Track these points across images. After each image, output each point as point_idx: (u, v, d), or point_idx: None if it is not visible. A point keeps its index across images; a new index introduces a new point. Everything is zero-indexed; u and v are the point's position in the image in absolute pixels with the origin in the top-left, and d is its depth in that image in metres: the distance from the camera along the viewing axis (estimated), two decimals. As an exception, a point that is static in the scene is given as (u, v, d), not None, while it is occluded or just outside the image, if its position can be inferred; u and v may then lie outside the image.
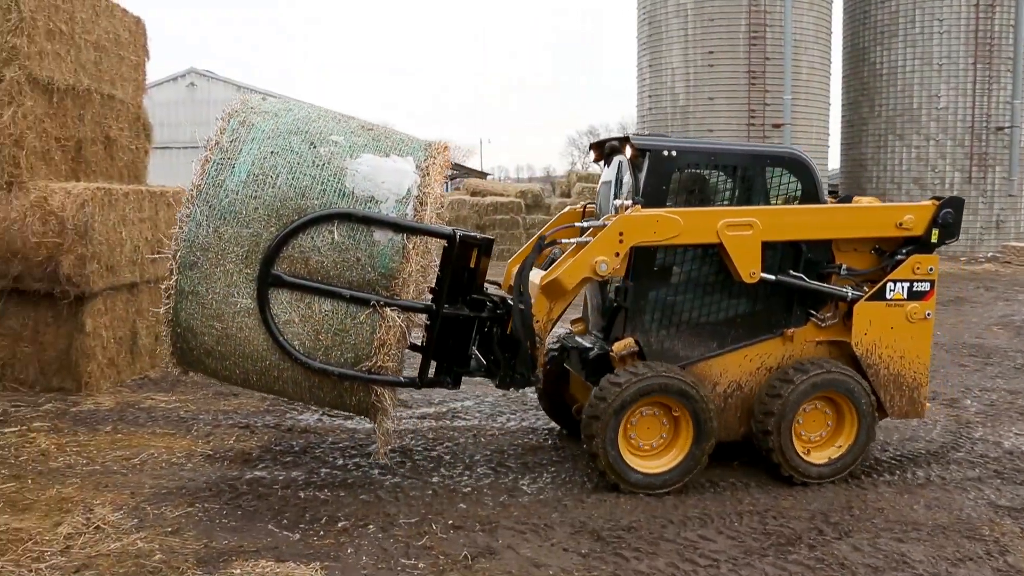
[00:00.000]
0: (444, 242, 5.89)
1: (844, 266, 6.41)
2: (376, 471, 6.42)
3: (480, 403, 8.62)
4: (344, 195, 5.59)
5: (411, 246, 5.61)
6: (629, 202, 6.11)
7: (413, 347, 6.11)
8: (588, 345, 6.72)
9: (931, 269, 6.36)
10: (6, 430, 7.24)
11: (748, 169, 6.46)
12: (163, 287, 5.70)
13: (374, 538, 5.19)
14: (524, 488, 6.10)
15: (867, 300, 6.33)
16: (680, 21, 26.63)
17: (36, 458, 6.57)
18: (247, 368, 5.81)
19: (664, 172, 6.21)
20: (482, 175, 55.56)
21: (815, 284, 6.33)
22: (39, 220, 8.33)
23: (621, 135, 6.67)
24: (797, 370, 6.22)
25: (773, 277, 6.21)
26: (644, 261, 6.19)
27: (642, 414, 6.03)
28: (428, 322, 6.05)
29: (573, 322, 7.45)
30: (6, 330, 8.68)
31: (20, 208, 8.38)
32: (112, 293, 8.98)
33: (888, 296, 6.34)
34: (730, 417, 6.39)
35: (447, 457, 6.80)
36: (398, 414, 8.11)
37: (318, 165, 5.63)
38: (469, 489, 6.04)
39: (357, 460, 6.69)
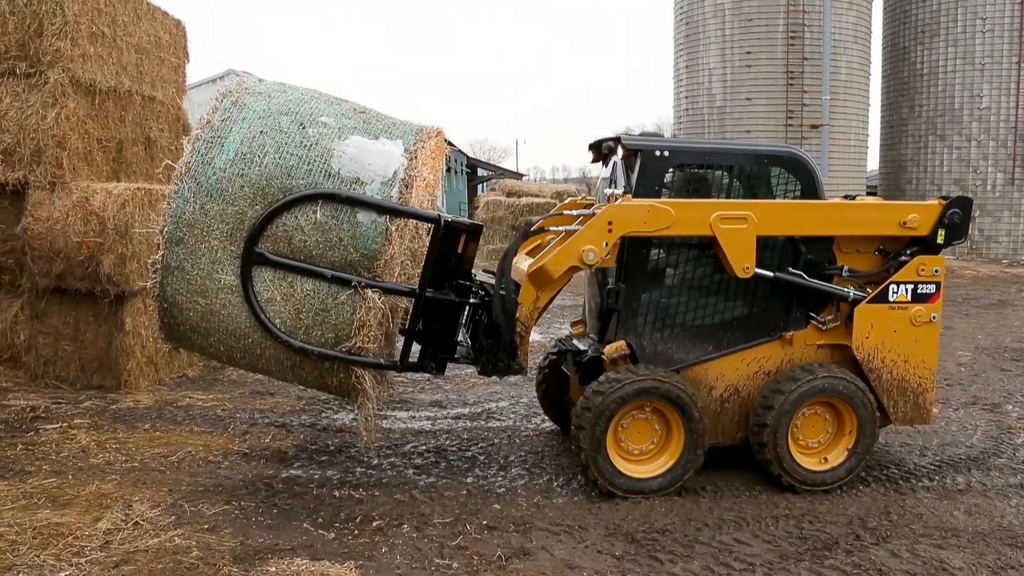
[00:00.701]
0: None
1: (846, 267, 6.24)
2: (411, 471, 6.44)
3: (515, 404, 8.61)
4: (330, 176, 5.62)
5: (394, 228, 5.61)
6: (620, 192, 6.00)
7: (402, 331, 6.09)
8: (583, 348, 6.65)
9: (936, 271, 6.16)
10: (48, 426, 7.37)
11: (744, 169, 6.35)
12: (150, 262, 5.80)
13: (408, 538, 5.20)
14: (558, 489, 6.09)
15: (869, 302, 6.15)
16: (717, 21, 26.44)
17: (77, 454, 6.68)
18: (231, 345, 5.87)
19: (656, 172, 6.09)
20: (518, 176, 55.54)
21: (814, 282, 6.16)
22: (81, 220, 8.47)
23: (615, 135, 6.52)
24: (793, 375, 6.08)
25: (771, 274, 6.06)
26: (636, 262, 6.09)
27: (634, 417, 5.94)
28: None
29: (573, 324, 7.42)
30: (48, 328, 8.84)
31: (63, 208, 8.53)
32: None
33: (891, 298, 6.16)
34: (727, 422, 6.26)
35: (482, 458, 6.81)
36: (432, 413, 8.14)
37: (305, 145, 5.66)
38: (503, 490, 6.03)
39: (392, 460, 6.71)
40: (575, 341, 6.99)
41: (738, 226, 5.89)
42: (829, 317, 6.29)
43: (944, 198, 6.29)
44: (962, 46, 26.29)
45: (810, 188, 6.26)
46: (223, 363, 6.43)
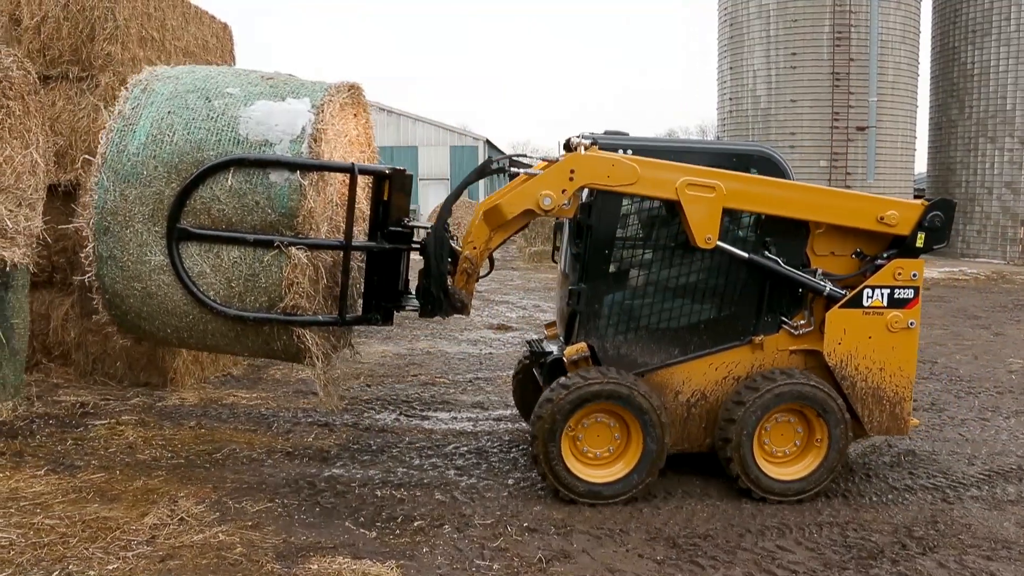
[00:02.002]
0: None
1: (820, 271, 6.02)
2: (452, 472, 6.46)
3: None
4: (239, 143, 5.65)
5: (307, 183, 5.60)
6: (587, 141, 5.89)
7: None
8: (549, 350, 6.57)
9: (915, 275, 5.92)
10: (96, 422, 7.51)
11: (714, 168, 6.09)
12: (82, 256, 5.90)
13: (449, 538, 5.22)
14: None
15: (842, 307, 5.95)
16: (762, 23, 26.21)
17: (124, 450, 6.80)
18: (176, 325, 5.93)
19: None
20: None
21: (788, 269, 5.94)
22: (130, 220, 8.60)
23: (585, 134, 6.30)
24: (754, 384, 5.89)
25: (745, 254, 5.89)
26: (598, 263, 5.97)
27: (596, 420, 5.84)
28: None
29: (547, 326, 7.38)
30: (97, 327, 8.98)
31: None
32: (198, 292, 9.22)
33: (865, 303, 5.93)
34: (694, 428, 6.11)
35: (523, 459, 6.80)
36: (474, 415, 8.15)
37: (212, 118, 5.71)
38: (545, 492, 6.02)
39: (434, 460, 6.74)
40: (545, 343, 6.92)
41: (705, 194, 5.74)
42: (802, 322, 6.08)
43: (927, 199, 6.06)
44: (1015, 45, 25.73)
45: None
46: (177, 347, 6.52)
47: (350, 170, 5.75)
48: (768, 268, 5.94)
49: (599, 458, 5.89)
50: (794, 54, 25.58)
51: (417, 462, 6.68)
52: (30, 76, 7.70)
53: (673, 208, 5.86)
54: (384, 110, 38.93)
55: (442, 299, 5.92)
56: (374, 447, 7.04)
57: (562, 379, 5.81)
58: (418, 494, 5.94)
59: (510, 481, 6.27)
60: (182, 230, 5.64)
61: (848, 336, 5.98)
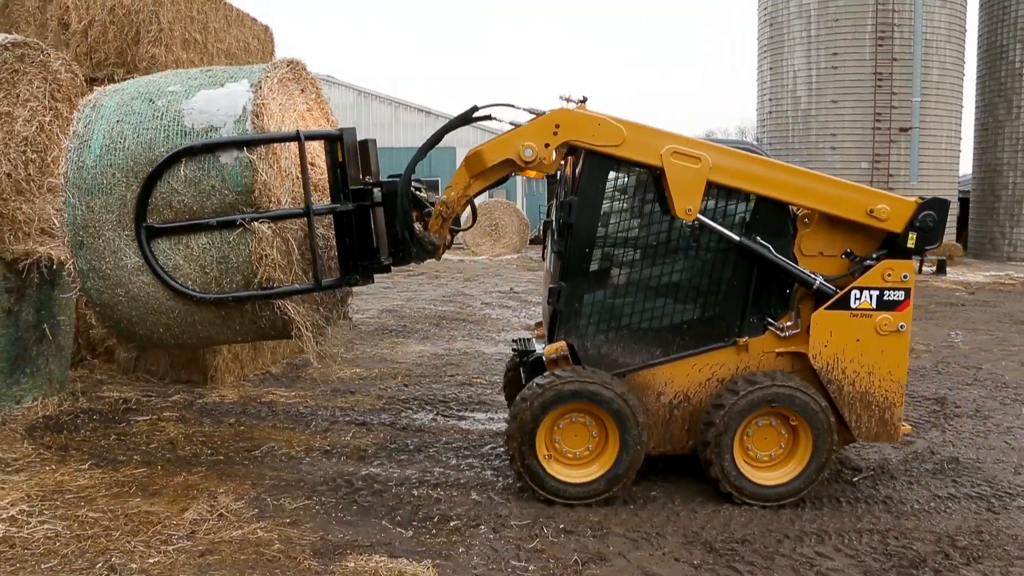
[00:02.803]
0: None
1: (809, 272, 5.89)
2: (489, 472, 6.47)
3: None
4: (186, 134, 5.75)
5: (256, 158, 5.67)
6: (580, 99, 5.83)
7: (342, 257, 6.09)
8: (534, 349, 6.53)
9: (905, 276, 5.77)
10: (139, 418, 7.63)
11: None
12: (64, 273, 6.07)
13: (485, 539, 5.23)
14: (637, 495, 6.02)
15: (828, 308, 5.81)
16: (803, 22, 25.93)
17: (165, 446, 6.90)
18: (165, 323, 6.03)
19: (600, 170, 5.86)
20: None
21: (780, 258, 5.82)
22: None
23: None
24: (734, 387, 5.79)
25: (737, 237, 5.79)
26: (579, 261, 5.92)
27: (573, 420, 5.78)
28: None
29: (536, 326, 7.33)
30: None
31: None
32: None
33: (853, 304, 5.79)
34: (677, 429, 6.01)
35: (557, 461, 6.79)
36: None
37: (157, 117, 5.83)
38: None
39: (470, 460, 6.75)
40: (532, 343, 6.89)
41: (690, 164, 5.66)
42: (788, 323, 5.97)
43: (920, 198, 5.90)
44: (1064, 45, 25.21)
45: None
46: (175, 347, 6.63)
47: (296, 138, 5.82)
48: (758, 254, 5.83)
49: (577, 458, 5.85)
50: (835, 54, 25.28)
51: (454, 462, 6.70)
52: (78, 78, 7.86)
53: (656, 202, 5.81)
54: (421, 111, 39.09)
55: (408, 240, 5.88)
56: (411, 447, 7.07)
57: (538, 378, 5.80)
58: (455, 494, 5.96)
59: (546, 482, 6.26)
60: (149, 228, 5.78)
61: (835, 338, 5.86)
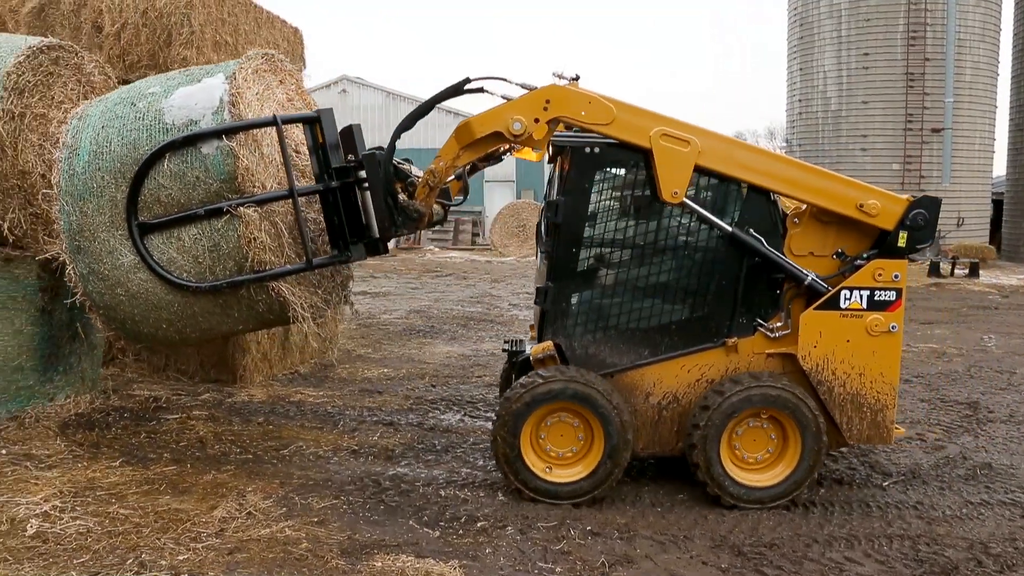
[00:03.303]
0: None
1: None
2: (514, 473, 6.46)
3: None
4: (167, 131, 5.92)
5: (236, 145, 5.79)
6: (572, 76, 5.80)
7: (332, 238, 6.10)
8: (523, 350, 6.51)
9: (896, 276, 5.68)
10: (168, 416, 7.71)
11: None
12: (66, 280, 6.27)
13: (512, 540, 5.22)
14: (664, 498, 6.00)
15: (817, 308, 5.73)
16: (833, 22, 25.73)
17: (195, 444, 6.96)
18: (167, 318, 6.17)
19: (587, 170, 5.84)
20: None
21: (772, 251, 5.75)
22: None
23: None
24: (718, 389, 5.74)
25: (729, 228, 5.74)
26: (566, 261, 5.89)
27: (560, 419, 5.76)
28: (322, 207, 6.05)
29: (532, 326, 7.30)
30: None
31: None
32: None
33: (843, 304, 5.70)
34: (665, 431, 5.95)
35: (584, 462, 6.77)
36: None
37: (139, 118, 6.05)
38: (608, 496, 5.99)
39: (495, 461, 6.75)
40: (525, 343, 6.86)
41: (679, 147, 5.63)
42: (778, 324, 5.88)
43: (912, 196, 5.79)
44: (1101, 44, 24.81)
45: (760, 188, 5.87)
46: (180, 343, 6.79)
47: (273, 122, 5.90)
48: (749, 246, 5.78)
49: (562, 458, 5.83)
50: (866, 54, 25.06)
51: (481, 463, 6.70)
52: (111, 80, 7.95)
53: (643, 204, 5.81)
54: (451, 112, 39.16)
55: (391, 207, 5.86)
56: (438, 447, 7.09)
57: (522, 378, 5.81)
58: (482, 495, 5.96)
59: (573, 484, 6.24)
60: (141, 225, 5.93)
61: (824, 339, 5.78)
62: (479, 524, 5.44)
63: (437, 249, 30.67)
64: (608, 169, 5.96)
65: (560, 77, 5.80)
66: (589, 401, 5.67)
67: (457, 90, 5.90)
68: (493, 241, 29.23)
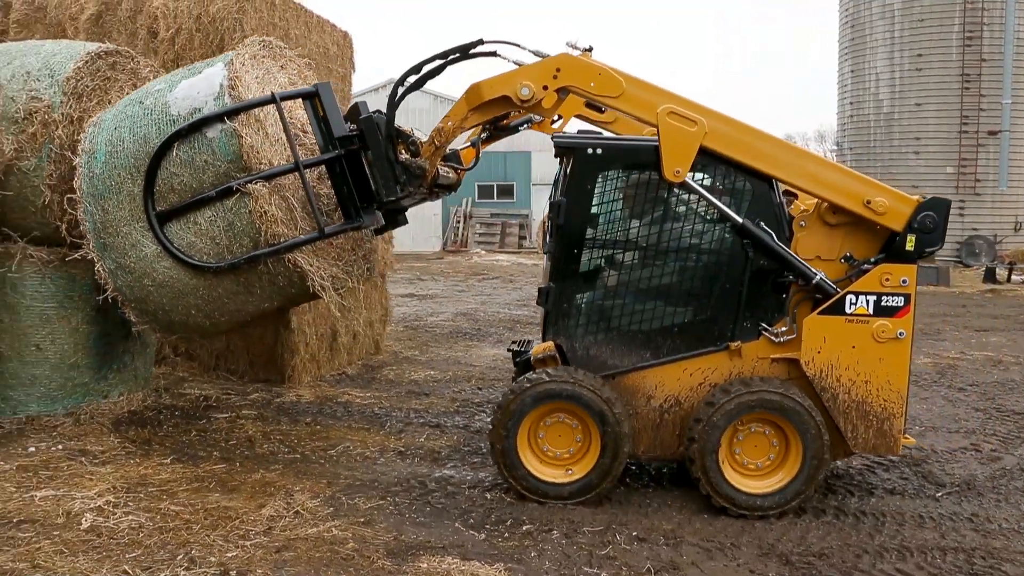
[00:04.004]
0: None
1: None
2: (559, 477, 6.45)
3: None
4: (174, 122, 6.16)
5: (239, 125, 5.99)
6: (586, 47, 5.77)
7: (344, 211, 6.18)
8: (527, 350, 6.48)
9: (905, 281, 5.52)
10: (218, 415, 7.82)
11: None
12: (95, 276, 6.51)
13: (558, 544, 5.20)
14: (712, 505, 5.93)
15: (821, 313, 5.59)
16: (886, 23, 25.31)
17: (244, 443, 7.06)
18: (195, 304, 6.37)
19: (589, 172, 5.78)
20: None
21: (781, 246, 5.64)
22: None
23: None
24: (725, 390, 5.63)
25: (740, 219, 5.64)
26: (567, 262, 5.85)
27: (558, 420, 5.73)
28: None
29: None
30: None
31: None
32: (315, 292, 9.50)
33: (848, 310, 5.56)
34: (667, 434, 5.86)
35: (633, 468, 6.72)
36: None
37: (147, 114, 6.30)
38: (655, 502, 5.94)
39: (540, 465, 6.73)
40: (533, 344, 6.80)
41: (685, 126, 5.57)
42: (783, 328, 5.76)
43: (922, 196, 5.62)
44: None
45: (764, 191, 5.77)
46: (211, 330, 6.91)
47: (272, 100, 6.00)
48: (758, 238, 5.68)
49: (558, 458, 5.82)
50: (920, 55, 24.60)
51: (525, 466, 6.69)
52: (165, 84, 8.10)
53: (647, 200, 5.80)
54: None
55: (393, 163, 5.88)
56: (484, 450, 7.08)
57: (520, 379, 5.82)
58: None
59: (620, 489, 6.20)
60: (160, 214, 6.15)
61: (829, 345, 5.65)
62: (524, 527, 5.43)
63: (484, 252, 30.76)
64: (610, 170, 5.94)
65: (574, 47, 5.80)
66: (584, 402, 5.66)
67: (466, 51, 5.94)
68: (539, 244, 29.20)
